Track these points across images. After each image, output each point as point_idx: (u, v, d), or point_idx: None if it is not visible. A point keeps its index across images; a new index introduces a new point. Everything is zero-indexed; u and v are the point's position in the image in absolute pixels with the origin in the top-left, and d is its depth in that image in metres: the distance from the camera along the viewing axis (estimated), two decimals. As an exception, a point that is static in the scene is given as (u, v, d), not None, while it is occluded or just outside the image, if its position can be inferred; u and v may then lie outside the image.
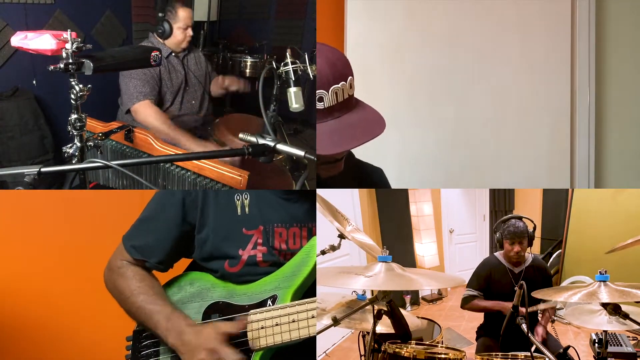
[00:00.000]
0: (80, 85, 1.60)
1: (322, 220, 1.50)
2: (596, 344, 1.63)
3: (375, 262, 1.45)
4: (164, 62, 2.65)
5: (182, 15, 2.66)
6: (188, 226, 1.38)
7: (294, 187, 1.52)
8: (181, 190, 1.96)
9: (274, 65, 1.96)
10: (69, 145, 1.67)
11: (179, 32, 2.68)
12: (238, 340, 1.27)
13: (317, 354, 1.36)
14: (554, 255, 3.57)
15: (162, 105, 2.71)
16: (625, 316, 1.42)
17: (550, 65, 2.55)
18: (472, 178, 2.58)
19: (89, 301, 2.25)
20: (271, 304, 1.31)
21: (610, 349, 1.64)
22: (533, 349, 1.52)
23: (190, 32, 2.70)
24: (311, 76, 1.84)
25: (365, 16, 2.53)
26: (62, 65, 1.55)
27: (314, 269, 1.31)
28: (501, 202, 4.42)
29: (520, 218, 2.12)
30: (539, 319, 2.06)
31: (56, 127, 3.00)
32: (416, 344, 1.57)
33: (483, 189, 4.15)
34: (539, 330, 2.02)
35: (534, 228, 2.11)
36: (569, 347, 1.63)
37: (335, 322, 1.41)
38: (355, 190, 3.19)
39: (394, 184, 1.68)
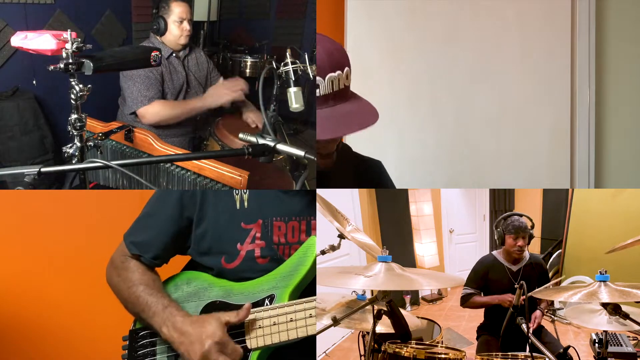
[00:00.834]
0: (80, 85, 1.60)
1: (322, 220, 1.50)
2: (596, 344, 1.63)
3: (375, 262, 1.45)
4: (165, 63, 2.64)
5: (175, 9, 2.65)
6: (186, 222, 1.39)
7: (294, 187, 1.51)
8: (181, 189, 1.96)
9: (274, 65, 1.96)
10: (69, 145, 1.67)
11: (174, 26, 2.66)
12: (236, 340, 1.26)
13: (317, 354, 1.36)
14: (554, 255, 3.57)
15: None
16: (626, 316, 1.42)
17: (550, 65, 2.54)
18: (472, 178, 2.58)
19: (87, 301, 2.26)
20: (268, 303, 1.30)
21: (611, 349, 1.64)
22: (533, 347, 1.52)
23: (186, 25, 2.68)
24: (311, 76, 1.84)
25: (365, 16, 2.53)
26: (62, 65, 1.55)
27: (311, 268, 1.31)
28: (501, 202, 4.42)
29: (520, 215, 2.14)
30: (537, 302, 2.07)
31: (56, 127, 3.00)
32: (416, 344, 1.57)
33: (483, 189, 4.15)
34: (537, 313, 2.03)
35: (532, 226, 2.12)
36: (569, 347, 1.63)
37: (335, 322, 1.41)
38: (355, 190, 3.19)
39: (394, 184, 1.68)
